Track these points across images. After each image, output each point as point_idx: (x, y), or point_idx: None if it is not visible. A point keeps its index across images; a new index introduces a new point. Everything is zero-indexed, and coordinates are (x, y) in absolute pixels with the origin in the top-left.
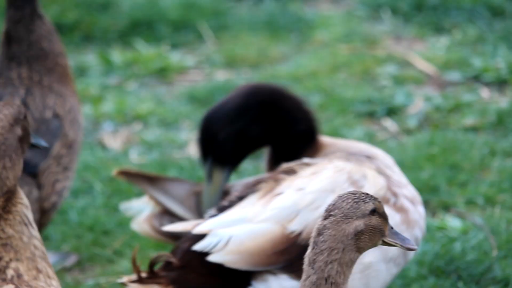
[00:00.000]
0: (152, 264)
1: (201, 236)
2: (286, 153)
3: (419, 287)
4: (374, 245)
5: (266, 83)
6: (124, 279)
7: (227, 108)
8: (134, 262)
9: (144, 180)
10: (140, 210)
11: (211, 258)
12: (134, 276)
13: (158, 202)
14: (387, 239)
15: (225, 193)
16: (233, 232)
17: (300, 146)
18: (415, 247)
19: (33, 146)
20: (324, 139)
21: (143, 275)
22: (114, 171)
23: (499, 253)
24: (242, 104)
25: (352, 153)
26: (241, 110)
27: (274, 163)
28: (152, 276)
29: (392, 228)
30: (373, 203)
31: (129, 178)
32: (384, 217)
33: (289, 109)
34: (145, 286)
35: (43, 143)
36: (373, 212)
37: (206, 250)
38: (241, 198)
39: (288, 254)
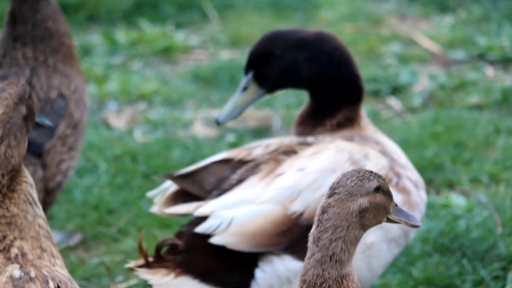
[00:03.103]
0: (158, 248)
1: (204, 219)
2: (324, 107)
3: (424, 264)
4: (379, 223)
5: (338, 38)
6: (131, 264)
7: (299, 36)
8: (140, 247)
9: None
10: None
11: (213, 240)
12: (141, 261)
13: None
14: (391, 216)
15: (221, 180)
16: (235, 213)
17: (338, 103)
18: (419, 223)
19: (38, 125)
20: (364, 119)
21: (150, 259)
22: (156, 177)
23: (504, 231)
24: (314, 41)
25: (363, 136)
26: (310, 45)
27: (309, 116)
28: (159, 260)
29: (396, 205)
30: (377, 180)
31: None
32: (388, 194)
33: (347, 73)
34: (153, 271)
35: (47, 122)
36: (378, 189)
37: (208, 232)
38: (241, 181)
39: (290, 234)
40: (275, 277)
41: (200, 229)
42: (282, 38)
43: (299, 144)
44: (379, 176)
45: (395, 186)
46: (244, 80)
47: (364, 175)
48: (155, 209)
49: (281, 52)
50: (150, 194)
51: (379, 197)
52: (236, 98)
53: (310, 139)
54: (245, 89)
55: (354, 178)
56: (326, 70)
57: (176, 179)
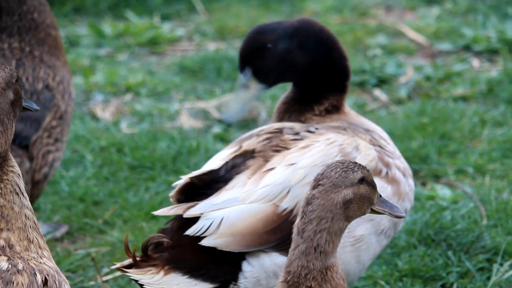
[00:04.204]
0: (145, 247)
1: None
2: (311, 95)
3: (409, 256)
4: (363, 214)
5: (319, 22)
6: (118, 265)
7: (285, 26)
8: (127, 247)
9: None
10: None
11: (204, 243)
12: (127, 261)
13: None
14: (375, 207)
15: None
16: (224, 214)
17: (325, 91)
18: (404, 214)
19: (25, 109)
20: (347, 106)
21: (138, 259)
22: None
23: (489, 222)
24: (300, 28)
25: (353, 124)
26: (298, 33)
27: (294, 103)
28: (146, 258)
29: (380, 196)
30: (361, 171)
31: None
32: (372, 185)
33: (337, 54)
34: (142, 270)
35: (34, 106)
36: (362, 180)
37: (198, 234)
38: (228, 179)
39: (280, 232)
40: (262, 271)
41: (190, 231)
42: (270, 30)
43: (303, 130)
44: (363, 167)
45: (385, 177)
46: (242, 78)
47: (348, 166)
48: (172, 193)
49: (272, 44)
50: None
51: (363, 188)
52: (239, 96)
53: (312, 128)
54: (245, 86)
55: (338, 170)
56: (318, 52)
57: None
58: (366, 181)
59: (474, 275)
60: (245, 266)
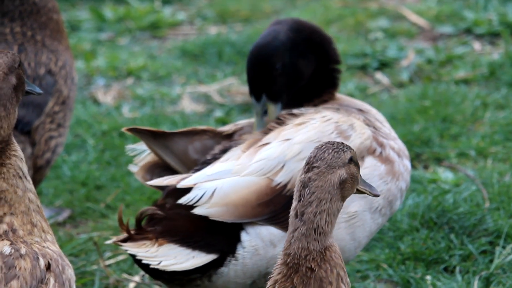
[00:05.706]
0: (139, 221)
1: (186, 189)
2: (306, 93)
3: (411, 239)
4: (352, 193)
5: (303, 19)
6: (114, 239)
7: (282, 39)
8: (121, 221)
9: (149, 135)
10: (143, 152)
11: (196, 211)
12: (122, 236)
13: (158, 156)
14: (359, 187)
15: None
16: (218, 184)
17: (322, 87)
18: (379, 193)
19: (28, 93)
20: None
21: (132, 232)
22: (123, 129)
23: (491, 205)
24: (292, 38)
25: (344, 105)
26: (295, 42)
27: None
28: (140, 232)
29: (360, 175)
30: (350, 151)
31: (137, 135)
32: (358, 165)
33: (327, 47)
34: (137, 244)
35: (37, 89)
36: (351, 160)
37: (191, 203)
38: (224, 151)
39: (273, 205)
40: (259, 239)
41: (183, 200)
42: (273, 50)
43: (286, 114)
44: (349, 147)
45: (379, 156)
46: (259, 106)
47: (339, 146)
48: (134, 169)
49: (279, 64)
50: (128, 147)
51: (353, 168)
52: (263, 123)
53: (295, 110)
54: (265, 111)
55: (330, 151)
56: (317, 54)
57: (150, 141)
58: (353, 160)
59: (476, 258)
60: (243, 235)
